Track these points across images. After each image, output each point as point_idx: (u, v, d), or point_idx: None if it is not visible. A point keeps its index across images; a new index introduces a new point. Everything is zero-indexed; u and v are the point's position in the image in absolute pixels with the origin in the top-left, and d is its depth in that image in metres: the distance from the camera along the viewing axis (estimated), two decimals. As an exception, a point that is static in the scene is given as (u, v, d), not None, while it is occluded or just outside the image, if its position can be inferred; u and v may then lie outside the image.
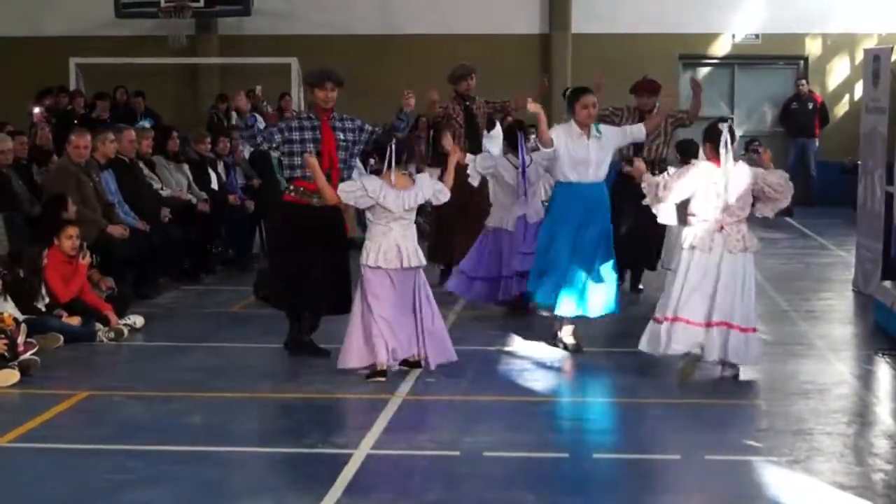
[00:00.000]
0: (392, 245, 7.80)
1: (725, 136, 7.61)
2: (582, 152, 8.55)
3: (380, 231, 7.85)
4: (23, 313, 8.73)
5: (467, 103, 11.15)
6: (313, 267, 8.21)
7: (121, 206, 10.86)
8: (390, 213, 7.80)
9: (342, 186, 7.96)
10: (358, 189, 7.84)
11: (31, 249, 9.15)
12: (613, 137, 8.82)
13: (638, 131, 9.06)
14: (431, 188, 7.97)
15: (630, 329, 9.36)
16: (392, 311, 7.80)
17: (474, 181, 10.15)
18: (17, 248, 9.24)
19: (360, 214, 13.66)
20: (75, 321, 9.00)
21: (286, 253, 8.37)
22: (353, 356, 7.81)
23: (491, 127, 12.25)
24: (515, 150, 9.88)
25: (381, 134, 8.47)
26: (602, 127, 8.76)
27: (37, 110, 16.11)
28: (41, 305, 9.00)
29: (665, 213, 7.90)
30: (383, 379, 7.69)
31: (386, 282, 7.80)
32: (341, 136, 8.35)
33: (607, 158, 8.76)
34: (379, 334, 7.73)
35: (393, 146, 7.80)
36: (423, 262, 7.96)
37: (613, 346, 8.94)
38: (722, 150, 7.60)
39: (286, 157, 8.34)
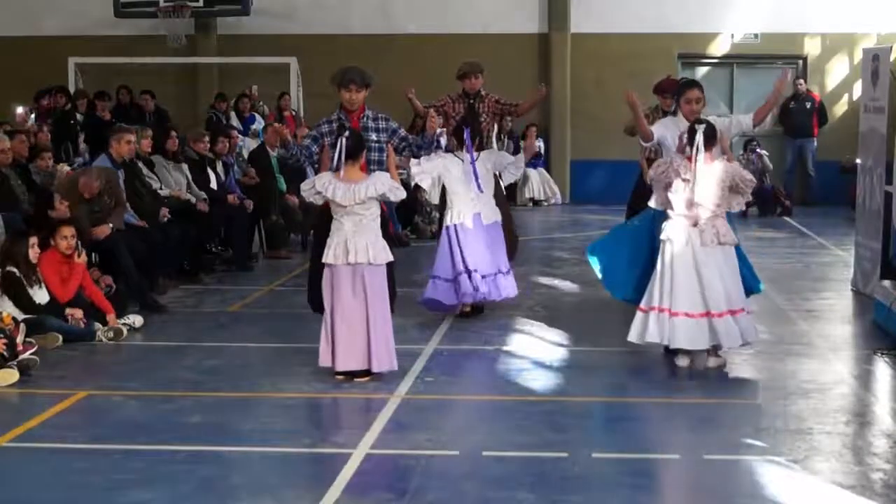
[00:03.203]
0: (341, 240, 7.63)
1: (699, 137, 7.90)
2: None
3: (334, 227, 7.71)
4: (24, 312, 8.74)
5: (471, 101, 11.04)
6: None
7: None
8: (342, 208, 7.62)
9: (302, 186, 7.93)
10: (310, 186, 7.76)
11: (18, 242, 9.07)
12: (723, 129, 8.56)
13: (746, 120, 8.92)
14: (387, 184, 7.69)
15: (629, 329, 9.38)
16: (340, 311, 7.62)
17: (423, 183, 10.19)
18: (5, 245, 9.16)
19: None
20: (78, 314, 9.00)
21: (318, 254, 8.10)
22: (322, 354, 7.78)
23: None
24: (462, 146, 9.84)
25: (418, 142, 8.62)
26: (714, 119, 8.57)
27: (20, 110, 16.08)
28: (37, 299, 8.98)
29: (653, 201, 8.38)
30: (364, 379, 7.67)
31: (337, 280, 7.64)
32: (373, 137, 8.29)
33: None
34: (325, 334, 7.68)
35: (343, 141, 7.61)
36: (377, 259, 7.62)
37: (613, 345, 8.94)
38: (699, 151, 7.92)
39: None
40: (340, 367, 7.66)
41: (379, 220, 7.78)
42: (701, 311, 7.95)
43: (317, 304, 8.18)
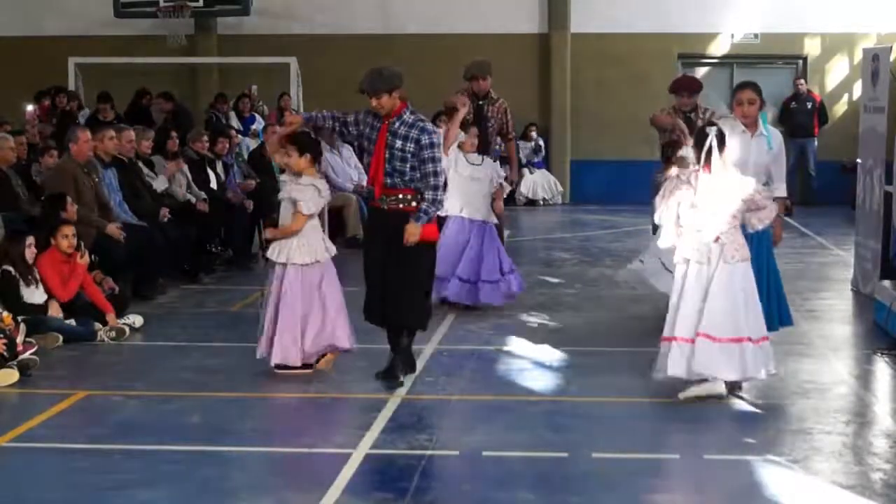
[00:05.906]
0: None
1: (711, 141, 7.07)
2: (742, 150, 7.71)
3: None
4: (13, 313, 8.73)
5: (480, 102, 10.66)
6: (377, 275, 7.60)
7: (121, 206, 10.89)
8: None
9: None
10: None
11: (16, 242, 9.04)
12: (778, 144, 8.19)
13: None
14: (310, 180, 7.71)
15: (629, 328, 9.39)
16: (295, 307, 7.74)
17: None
18: (3, 244, 9.11)
19: (361, 213, 13.71)
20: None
21: (365, 259, 7.79)
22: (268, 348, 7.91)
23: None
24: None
25: None
26: (772, 130, 8.20)
27: (30, 108, 16.09)
28: (34, 299, 8.96)
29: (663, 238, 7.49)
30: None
31: (287, 276, 7.75)
32: (398, 144, 7.40)
33: (768, 162, 8.14)
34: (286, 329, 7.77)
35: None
36: (320, 257, 7.76)
37: (613, 345, 8.94)
38: (713, 156, 7.06)
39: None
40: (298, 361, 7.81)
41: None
42: (702, 333, 7.12)
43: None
